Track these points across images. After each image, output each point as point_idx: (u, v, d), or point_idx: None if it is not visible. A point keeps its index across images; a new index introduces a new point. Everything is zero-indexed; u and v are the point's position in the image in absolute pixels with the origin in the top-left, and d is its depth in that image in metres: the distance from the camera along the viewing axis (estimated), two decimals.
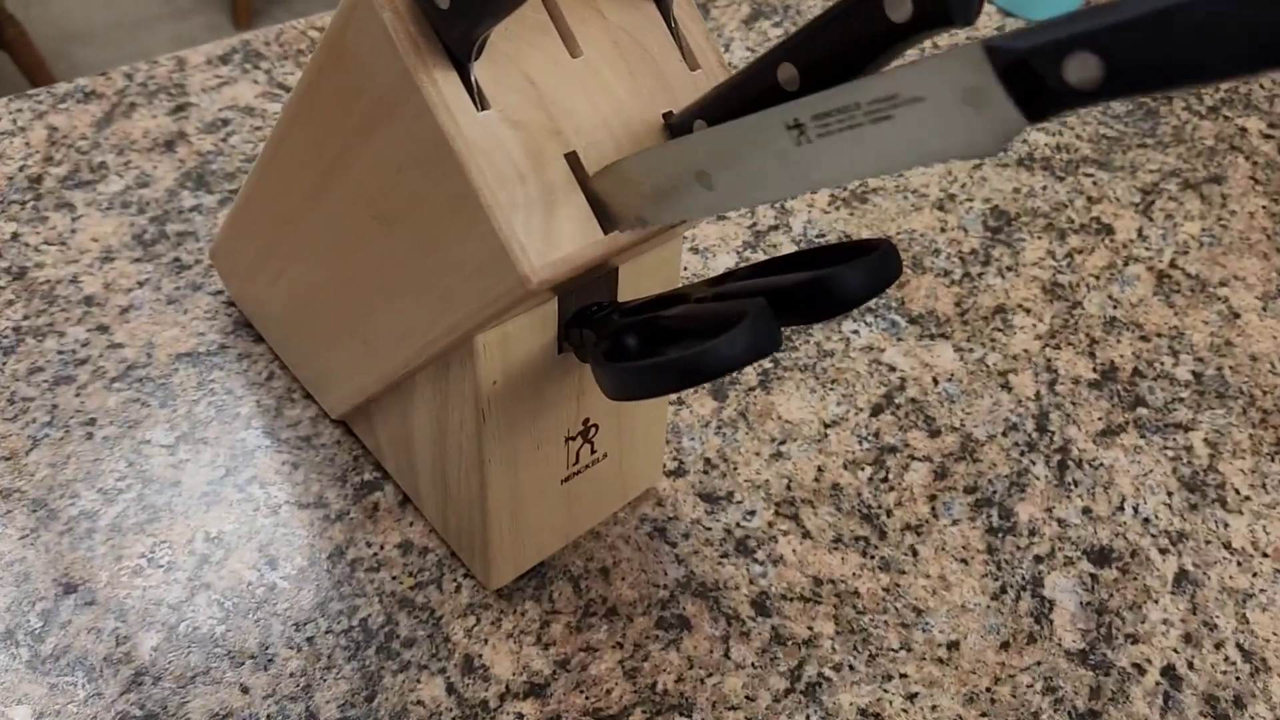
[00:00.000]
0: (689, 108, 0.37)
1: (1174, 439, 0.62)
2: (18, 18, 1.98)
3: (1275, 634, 0.55)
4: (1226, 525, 0.59)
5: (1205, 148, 0.84)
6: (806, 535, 0.54)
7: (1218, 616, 0.55)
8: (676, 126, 0.37)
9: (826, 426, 0.60)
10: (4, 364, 0.55)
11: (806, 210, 0.72)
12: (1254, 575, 0.57)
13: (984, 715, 0.50)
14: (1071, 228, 0.75)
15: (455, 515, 0.49)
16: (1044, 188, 0.78)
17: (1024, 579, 0.55)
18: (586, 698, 0.47)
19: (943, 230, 0.73)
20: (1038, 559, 0.56)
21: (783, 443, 0.58)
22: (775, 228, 0.71)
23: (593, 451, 0.49)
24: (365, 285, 0.43)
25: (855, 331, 0.65)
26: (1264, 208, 0.79)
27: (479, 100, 0.34)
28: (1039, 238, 0.73)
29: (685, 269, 0.67)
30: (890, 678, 0.50)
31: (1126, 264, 0.72)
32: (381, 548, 0.51)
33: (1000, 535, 0.56)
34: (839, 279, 0.33)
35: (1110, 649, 0.53)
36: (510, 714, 0.47)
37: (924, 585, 0.54)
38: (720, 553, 0.53)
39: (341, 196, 0.41)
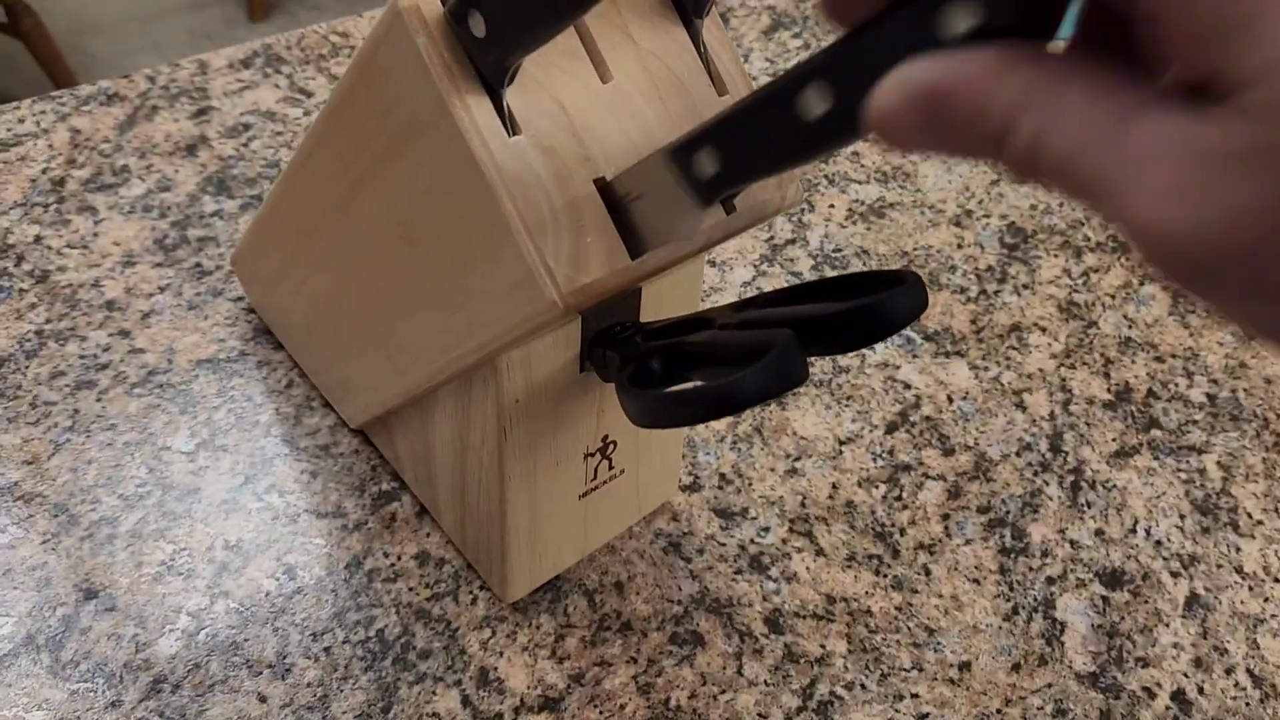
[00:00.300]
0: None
1: (1187, 461, 0.62)
2: (34, 8, 1.98)
3: None
4: (1238, 549, 0.59)
5: None
6: (820, 553, 0.55)
7: (1228, 641, 0.55)
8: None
9: (841, 443, 0.60)
10: (26, 367, 0.55)
11: (824, 224, 0.73)
12: (1265, 600, 0.57)
13: None
14: (1088, 245, 0.75)
15: (473, 528, 0.49)
16: (1060, 204, 0.78)
17: (1036, 600, 0.55)
18: (600, 712, 0.48)
19: (959, 246, 0.73)
20: (1050, 580, 0.56)
21: (797, 459, 0.59)
22: (792, 241, 0.71)
23: (610, 468, 0.49)
24: (389, 300, 0.44)
25: (870, 348, 0.65)
26: None
27: (510, 126, 0.34)
28: (1055, 255, 0.73)
29: (703, 282, 0.67)
30: (902, 697, 0.50)
31: (1142, 283, 0.72)
32: (399, 558, 0.51)
33: (1013, 556, 0.56)
34: (886, 305, 0.33)
35: (1121, 672, 0.53)
36: None
37: (936, 605, 0.54)
38: (734, 569, 0.53)
39: (369, 212, 0.41)
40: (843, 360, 0.64)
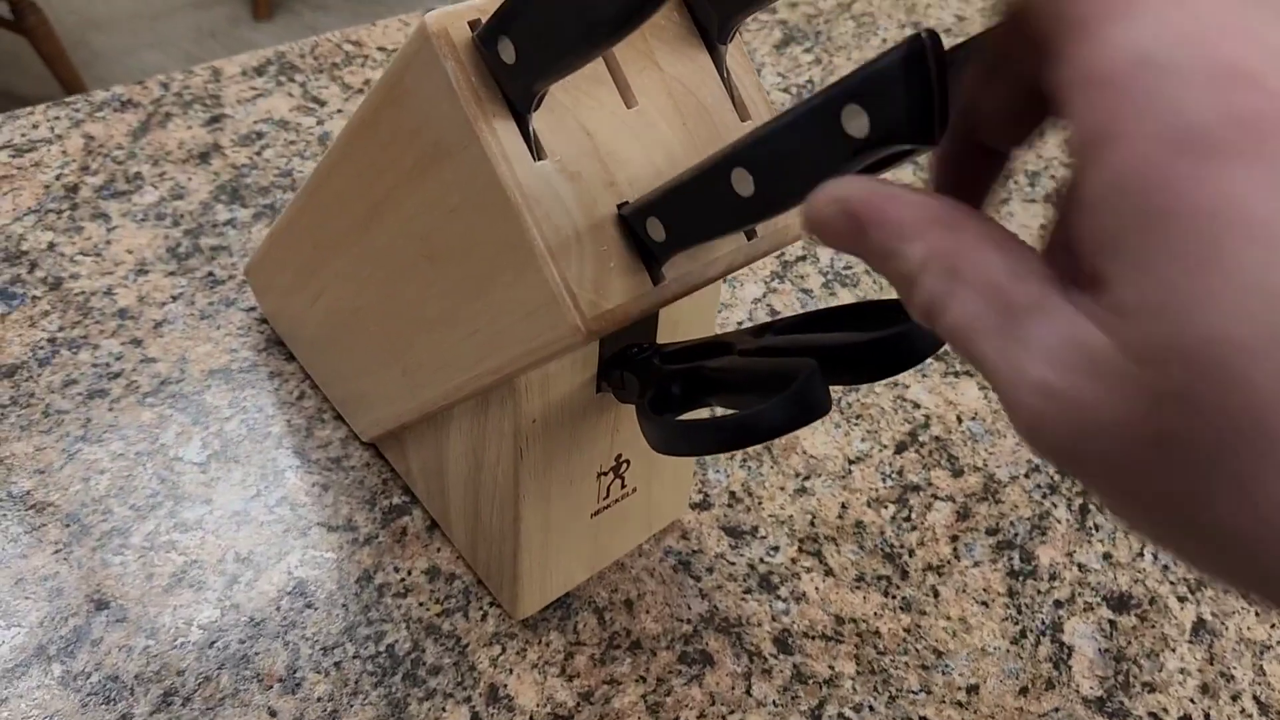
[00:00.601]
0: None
1: None
2: (39, 5, 1.98)
3: None
4: None
5: None
6: (829, 573, 0.55)
7: (1235, 667, 0.55)
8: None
9: (851, 463, 0.60)
10: (39, 375, 0.55)
11: None
12: (1272, 627, 0.57)
13: None
14: None
15: (485, 544, 0.49)
16: None
17: (1044, 624, 0.55)
18: None
19: None
20: (1058, 604, 0.56)
21: (807, 478, 0.59)
22: (803, 258, 0.71)
23: (623, 486, 0.49)
24: (408, 317, 0.44)
25: None
26: None
27: (536, 150, 0.34)
28: None
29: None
30: (910, 719, 0.50)
31: None
32: (409, 573, 0.51)
33: (1021, 579, 0.57)
34: (911, 337, 0.33)
35: (1127, 697, 0.53)
36: None
37: (944, 627, 0.54)
38: (744, 588, 0.53)
39: (390, 230, 0.41)
40: None
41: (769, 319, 0.65)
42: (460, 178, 0.36)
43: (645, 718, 0.48)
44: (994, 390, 0.22)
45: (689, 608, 0.52)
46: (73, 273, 0.60)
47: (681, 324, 0.44)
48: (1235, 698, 0.54)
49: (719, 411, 0.35)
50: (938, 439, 0.62)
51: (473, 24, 0.34)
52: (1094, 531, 0.59)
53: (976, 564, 0.57)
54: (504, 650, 0.49)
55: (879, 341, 0.33)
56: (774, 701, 0.50)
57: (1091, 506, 0.60)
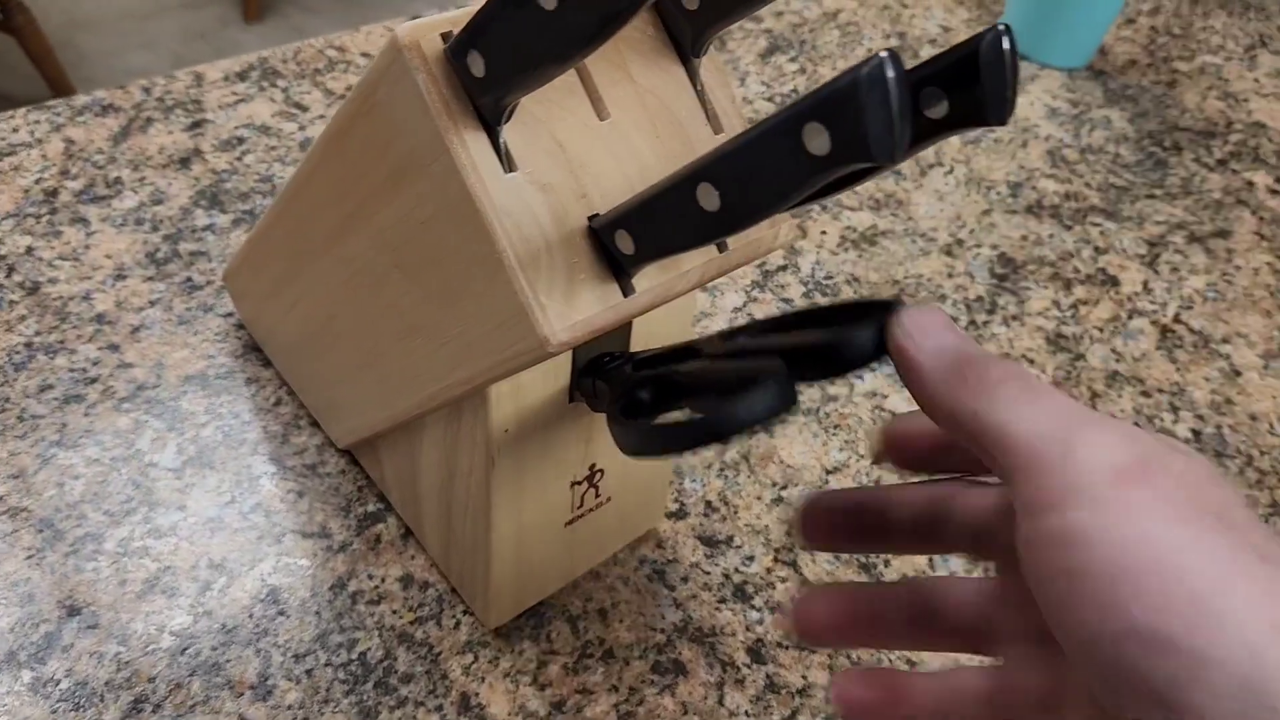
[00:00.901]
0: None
1: None
2: (27, 4, 1.98)
3: None
4: None
5: (1212, 200, 0.84)
6: (804, 583, 0.55)
7: None
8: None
9: (829, 472, 0.60)
10: (15, 380, 0.55)
11: (815, 251, 0.73)
12: None
13: None
14: (1078, 278, 0.75)
15: (458, 553, 0.49)
16: (1051, 236, 0.78)
17: None
18: None
19: (950, 276, 0.73)
20: None
21: (784, 488, 0.59)
22: (784, 268, 0.71)
23: (597, 495, 0.49)
24: (382, 326, 0.44)
25: (859, 377, 0.65)
26: (1268, 264, 0.79)
27: (507, 162, 0.34)
28: (1045, 287, 0.74)
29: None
30: None
31: (1131, 317, 0.73)
32: (383, 581, 0.51)
33: None
34: (850, 340, 0.33)
35: None
36: None
37: None
38: (718, 598, 0.53)
39: (364, 241, 0.42)
40: (831, 389, 0.64)
41: None
42: (431, 189, 0.36)
43: None
44: None
45: (663, 617, 0.52)
46: (51, 277, 0.60)
47: (656, 335, 0.44)
48: None
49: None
50: None
51: (445, 36, 0.34)
52: None
53: (951, 574, 0.57)
54: (476, 659, 0.49)
55: (834, 340, 0.33)
56: (746, 711, 0.50)
57: None
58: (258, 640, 0.48)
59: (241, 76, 0.74)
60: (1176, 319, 0.74)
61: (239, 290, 0.57)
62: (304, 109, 0.73)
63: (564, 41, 0.29)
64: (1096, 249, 0.78)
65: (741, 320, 0.67)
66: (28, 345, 0.56)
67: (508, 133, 0.34)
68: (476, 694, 0.48)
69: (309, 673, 0.48)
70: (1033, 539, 0.26)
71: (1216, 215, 0.83)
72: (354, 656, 0.49)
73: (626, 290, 0.36)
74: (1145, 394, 0.68)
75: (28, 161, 0.65)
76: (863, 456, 0.61)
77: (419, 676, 0.48)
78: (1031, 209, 0.80)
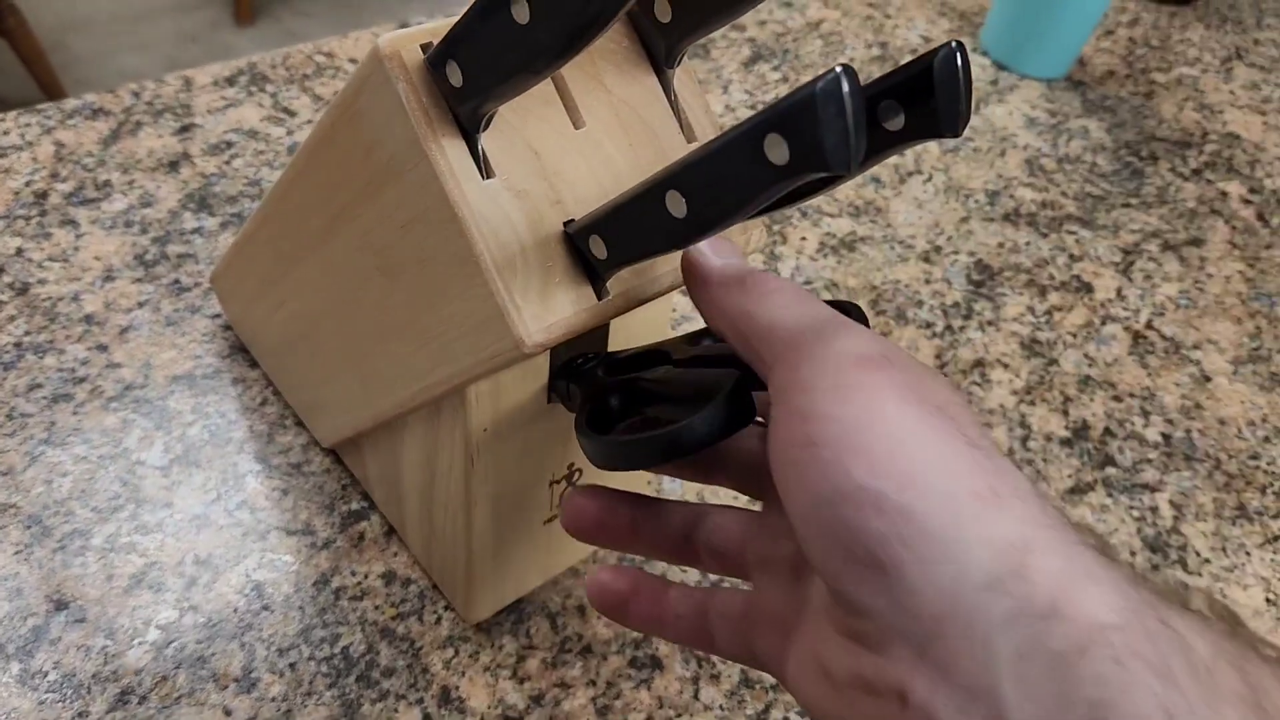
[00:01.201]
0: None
1: (1140, 499, 0.64)
2: (19, 6, 1.99)
3: None
4: (1186, 587, 0.60)
5: (1187, 210, 0.86)
6: None
7: None
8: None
9: None
10: (4, 379, 0.56)
11: (795, 256, 0.74)
12: None
13: None
14: (1052, 285, 0.77)
15: (439, 549, 0.50)
16: (1028, 243, 0.80)
17: None
18: None
19: (927, 282, 0.75)
20: None
21: None
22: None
23: None
24: (364, 328, 0.45)
25: None
26: (1239, 272, 0.81)
27: (484, 169, 0.35)
28: (1020, 293, 0.75)
29: (675, 310, 0.69)
30: None
31: (1104, 323, 0.74)
32: (365, 577, 0.52)
33: None
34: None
35: None
36: None
37: None
38: None
39: (346, 244, 0.43)
40: None
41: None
42: (411, 195, 0.37)
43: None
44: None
45: None
46: (40, 278, 0.61)
47: (634, 338, 0.45)
48: None
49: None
50: None
51: (425, 47, 0.35)
52: None
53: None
54: (457, 653, 0.50)
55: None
56: (720, 706, 0.51)
57: None
58: (242, 634, 0.49)
59: (230, 81, 0.75)
60: (1149, 325, 0.75)
61: (226, 292, 0.58)
62: (292, 114, 0.74)
63: (537, 54, 0.30)
64: (1072, 256, 0.79)
65: None
66: (17, 345, 0.57)
67: (485, 140, 0.36)
68: (457, 687, 0.49)
69: (292, 666, 0.49)
70: (779, 417, 0.29)
71: (1190, 224, 0.85)
72: (337, 650, 0.50)
73: (600, 293, 0.37)
74: (1117, 398, 0.69)
75: (18, 164, 0.66)
76: None
77: (400, 670, 0.49)
78: (1009, 217, 0.82)
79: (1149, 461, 0.66)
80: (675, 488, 0.59)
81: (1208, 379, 0.72)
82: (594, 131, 0.38)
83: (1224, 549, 0.62)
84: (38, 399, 0.56)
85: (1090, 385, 0.70)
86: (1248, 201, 0.88)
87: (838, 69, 0.25)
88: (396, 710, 0.48)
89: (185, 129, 0.71)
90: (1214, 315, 0.77)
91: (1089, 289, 0.77)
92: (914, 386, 0.28)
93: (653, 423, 0.40)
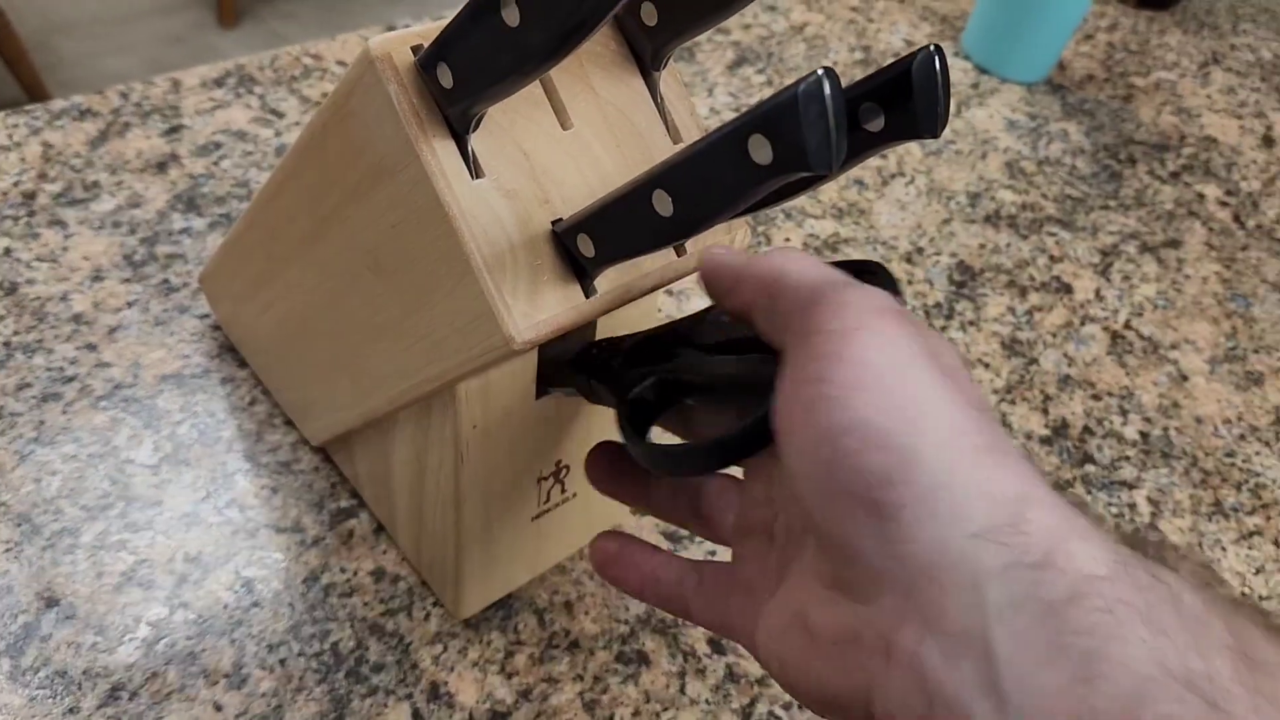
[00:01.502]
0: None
1: (1118, 496, 0.65)
2: (2, 7, 1.98)
3: None
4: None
5: (1165, 211, 0.87)
6: None
7: None
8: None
9: None
10: None
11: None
12: None
13: None
14: (1033, 285, 0.78)
15: (428, 546, 0.51)
16: (1008, 244, 0.81)
17: None
18: None
19: (910, 283, 0.76)
20: None
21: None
22: None
23: (563, 491, 0.51)
24: (355, 327, 0.45)
25: None
26: (1216, 273, 0.82)
27: (474, 169, 0.36)
28: (1001, 294, 0.76)
29: (660, 309, 0.69)
30: None
31: (1083, 323, 0.75)
32: (355, 574, 0.53)
33: None
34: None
35: None
36: None
37: None
38: None
39: (338, 244, 0.43)
40: None
41: None
42: (402, 195, 0.37)
43: (581, 715, 0.50)
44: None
45: (627, 609, 0.54)
46: (29, 278, 0.61)
47: (619, 329, 0.46)
48: None
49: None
50: None
51: (415, 49, 0.35)
52: None
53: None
54: (445, 649, 0.51)
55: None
56: (706, 700, 0.52)
57: None
58: (232, 631, 0.50)
59: (218, 83, 0.76)
60: (1127, 325, 0.76)
61: (215, 292, 0.59)
62: (280, 115, 0.74)
63: (526, 56, 0.31)
64: (1051, 258, 0.80)
65: None
66: (6, 344, 0.58)
67: (475, 141, 0.36)
68: (445, 683, 0.50)
69: (282, 662, 0.49)
70: (791, 361, 0.29)
71: (1168, 226, 0.86)
72: (326, 646, 0.50)
73: (588, 291, 0.38)
74: (1095, 397, 0.70)
75: (6, 165, 0.66)
76: None
77: (390, 666, 0.50)
78: (990, 219, 0.83)
79: (1127, 459, 0.67)
80: None
81: (1185, 378, 0.73)
82: (582, 133, 0.39)
83: (1200, 544, 0.63)
84: (27, 398, 0.56)
85: (1070, 384, 0.71)
86: (1224, 204, 0.89)
87: (819, 71, 0.26)
88: (386, 705, 0.49)
89: (173, 130, 0.71)
90: (1191, 316, 0.78)
91: (1068, 290, 0.78)
92: (925, 345, 0.29)
93: (690, 414, 0.40)
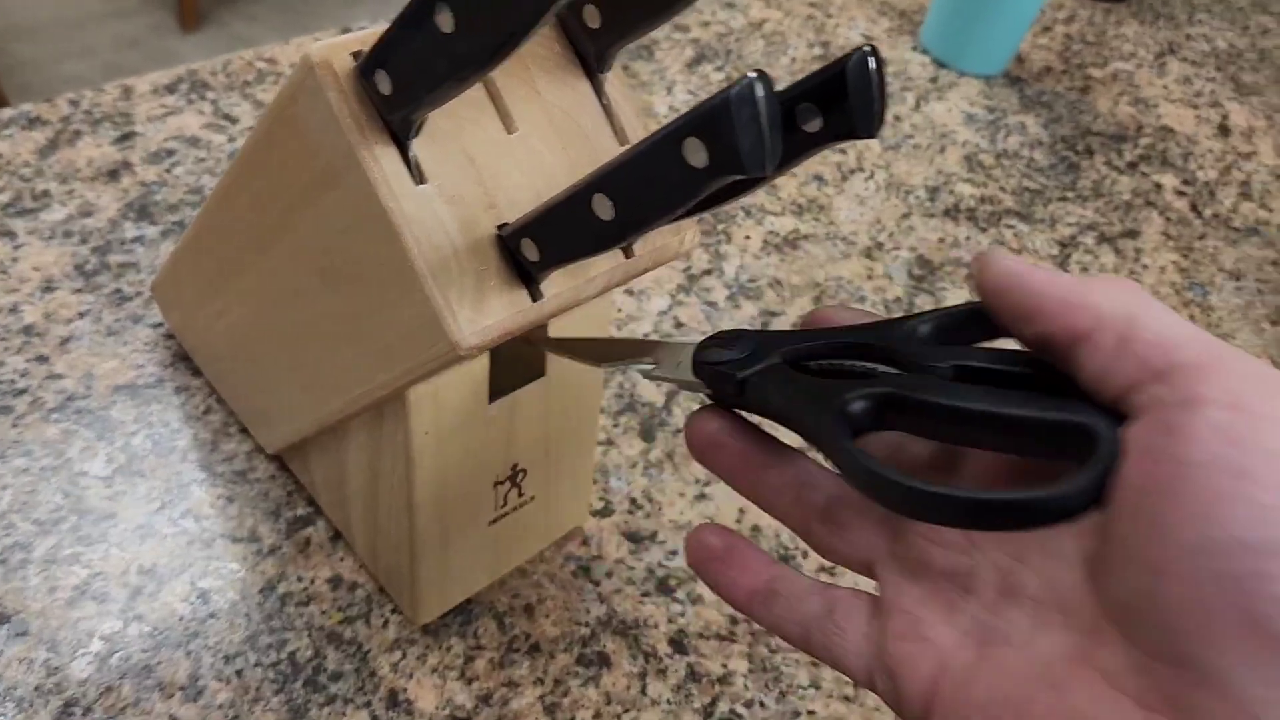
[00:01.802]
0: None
1: None
2: None
3: None
4: None
5: (1122, 202, 0.88)
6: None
7: None
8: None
9: None
10: None
11: (739, 255, 0.75)
12: None
13: None
14: None
15: (385, 552, 0.51)
16: (968, 238, 0.81)
17: None
18: None
19: (869, 278, 0.76)
20: None
21: (707, 484, 0.61)
22: (709, 272, 0.73)
23: (520, 495, 0.51)
24: (305, 334, 0.45)
25: None
26: (1174, 263, 0.83)
27: (417, 175, 0.36)
28: (960, 287, 0.77)
29: (620, 310, 0.69)
30: (798, 714, 0.52)
31: None
32: (312, 582, 0.52)
33: None
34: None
35: None
36: None
37: None
38: (642, 591, 0.55)
39: (286, 251, 0.43)
40: None
41: (674, 330, 0.67)
42: (346, 202, 0.37)
43: (542, 718, 0.50)
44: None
45: (588, 611, 0.54)
46: None
47: (572, 331, 0.46)
48: None
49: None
50: None
51: (356, 55, 0.35)
52: None
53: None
54: (404, 655, 0.51)
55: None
56: (668, 700, 0.52)
57: None
58: (188, 643, 0.49)
59: (170, 89, 0.75)
60: None
61: (167, 300, 0.58)
62: (233, 121, 0.74)
63: (462, 62, 0.31)
64: (1010, 250, 0.81)
65: (668, 323, 0.69)
66: None
67: (418, 146, 0.36)
68: (404, 690, 0.50)
69: (239, 673, 0.49)
70: (1178, 427, 0.24)
71: (1126, 216, 0.86)
72: (283, 656, 0.50)
73: (535, 296, 0.38)
74: None
75: None
76: None
77: (348, 674, 0.50)
78: (949, 212, 0.83)
79: None
80: (620, 485, 0.59)
81: None
82: (528, 136, 0.39)
83: None
84: None
85: None
86: (1181, 193, 0.90)
87: (751, 74, 0.26)
88: (344, 714, 0.48)
89: (125, 137, 0.71)
90: None
91: None
92: None
93: (902, 447, 0.34)
